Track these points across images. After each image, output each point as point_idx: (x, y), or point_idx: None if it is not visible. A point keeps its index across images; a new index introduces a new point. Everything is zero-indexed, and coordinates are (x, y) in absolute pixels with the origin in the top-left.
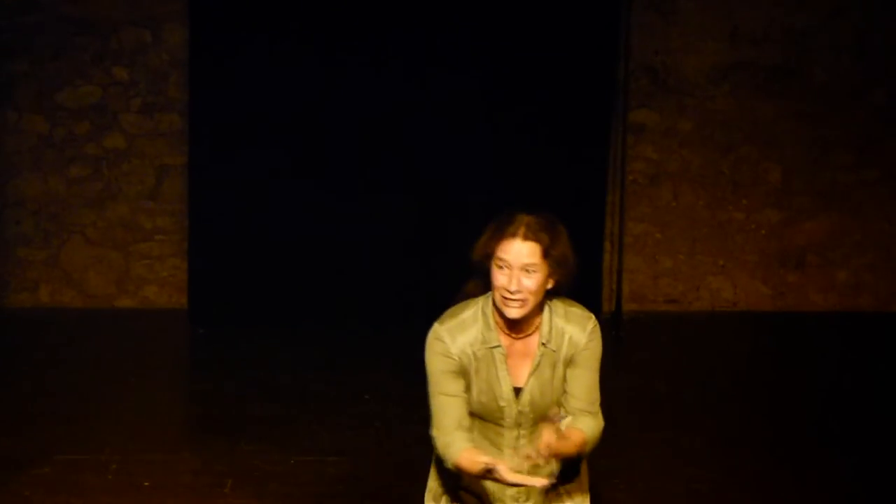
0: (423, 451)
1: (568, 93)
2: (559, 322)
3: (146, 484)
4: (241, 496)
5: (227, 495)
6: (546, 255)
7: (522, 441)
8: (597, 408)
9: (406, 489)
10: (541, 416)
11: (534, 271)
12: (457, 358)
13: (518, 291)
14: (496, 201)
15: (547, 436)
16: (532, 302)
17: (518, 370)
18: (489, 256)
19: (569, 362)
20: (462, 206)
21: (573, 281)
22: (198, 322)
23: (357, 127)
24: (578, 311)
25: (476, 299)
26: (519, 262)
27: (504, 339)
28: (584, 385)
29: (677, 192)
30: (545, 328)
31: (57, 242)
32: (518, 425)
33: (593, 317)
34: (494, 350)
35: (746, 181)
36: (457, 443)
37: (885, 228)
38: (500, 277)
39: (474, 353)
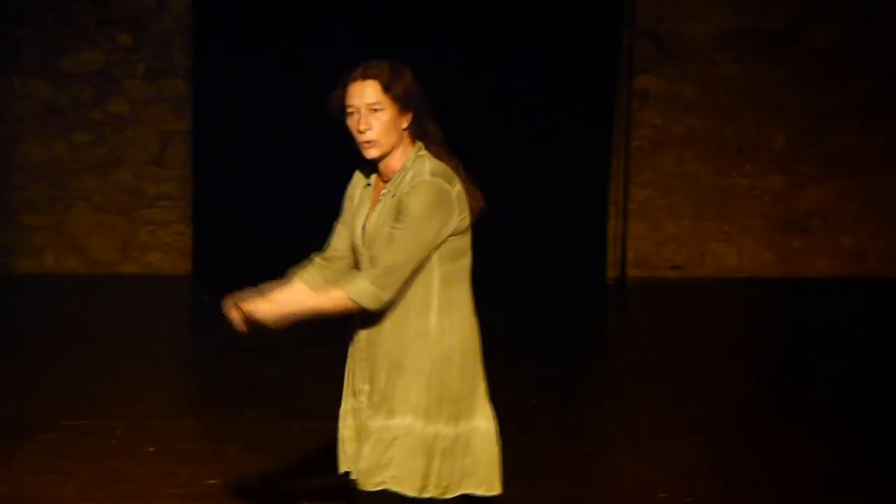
0: None
1: (573, 60)
2: (408, 175)
3: (151, 449)
4: (245, 462)
5: (232, 461)
6: (387, 89)
7: None
8: (375, 270)
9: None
10: None
11: (380, 109)
12: (350, 186)
13: (368, 131)
14: (502, 169)
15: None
16: (385, 142)
17: (372, 210)
18: (342, 110)
19: (395, 214)
20: (467, 173)
21: (434, 119)
22: (201, 288)
23: None
24: (430, 170)
25: None
26: (363, 102)
27: (377, 181)
28: (382, 237)
29: (681, 158)
30: (396, 177)
31: (61, 208)
32: (365, 271)
33: (436, 181)
34: (367, 188)
35: (750, 147)
36: (307, 270)
37: (889, 194)
38: (351, 123)
39: (361, 189)
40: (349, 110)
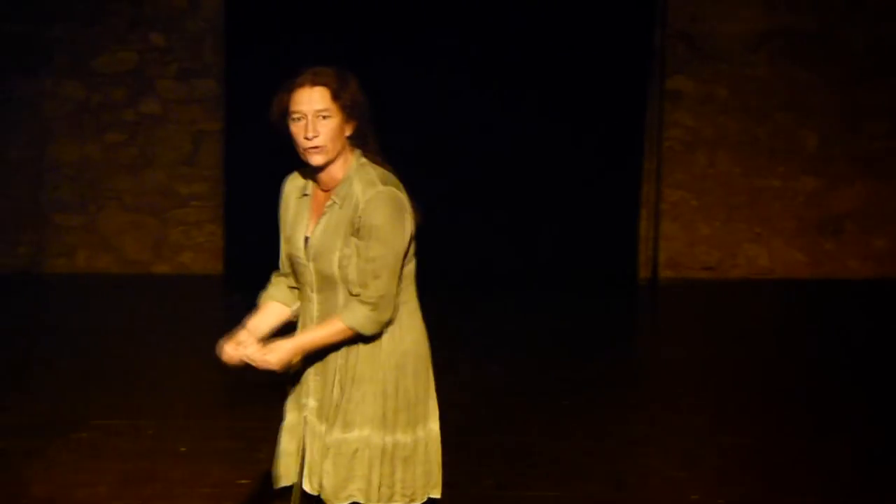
0: (458, 416)
1: (605, 60)
2: (355, 183)
3: (182, 449)
4: None
5: (263, 461)
6: (336, 97)
7: (312, 306)
8: (368, 293)
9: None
10: (325, 281)
11: (327, 116)
12: (283, 198)
13: (315, 137)
14: (533, 169)
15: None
16: (332, 149)
17: (314, 223)
18: (285, 114)
19: (355, 229)
20: (498, 174)
21: (374, 127)
22: (233, 288)
23: (391, 94)
24: (379, 177)
25: None
26: (311, 108)
27: (315, 191)
28: (357, 259)
29: (714, 158)
30: (340, 185)
31: (94, 208)
32: (309, 284)
33: (390, 190)
34: (304, 198)
35: (783, 148)
36: (273, 287)
37: None
38: (297, 129)
39: (295, 200)
40: (295, 116)
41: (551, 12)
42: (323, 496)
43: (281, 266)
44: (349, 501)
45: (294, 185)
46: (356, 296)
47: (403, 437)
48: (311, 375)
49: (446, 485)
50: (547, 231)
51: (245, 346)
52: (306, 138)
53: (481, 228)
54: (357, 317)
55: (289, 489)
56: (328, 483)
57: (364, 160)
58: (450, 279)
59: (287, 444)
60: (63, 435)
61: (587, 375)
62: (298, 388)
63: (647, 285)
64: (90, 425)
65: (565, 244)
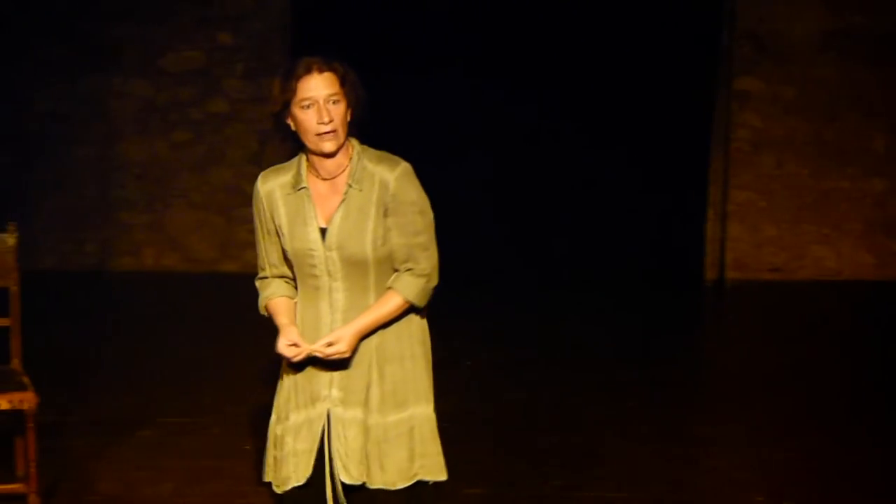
0: (522, 416)
1: (673, 61)
2: (369, 165)
3: (247, 447)
4: None
5: None
6: (343, 82)
7: (337, 295)
8: (421, 266)
9: (512, 455)
10: (352, 267)
11: (338, 101)
12: (264, 198)
13: (330, 122)
14: (601, 169)
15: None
16: (342, 134)
17: (326, 212)
18: (289, 104)
19: (385, 210)
20: (567, 173)
21: (368, 114)
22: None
23: (457, 91)
24: (390, 156)
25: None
26: (322, 94)
27: (312, 182)
28: (400, 236)
29: (781, 159)
30: (353, 170)
31: (160, 206)
32: (329, 274)
33: (408, 165)
34: (301, 191)
35: (851, 149)
36: (272, 287)
37: None
38: (308, 116)
39: (283, 196)
40: (305, 103)
41: (619, 14)
42: (384, 482)
43: (268, 268)
44: (413, 481)
45: (276, 182)
46: (408, 270)
47: (433, 412)
48: (329, 365)
49: (512, 484)
50: (614, 231)
51: (302, 342)
52: (321, 123)
53: (548, 228)
54: (414, 290)
55: (301, 489)
56: (391, 467)
57: (363, 145)
58: (515, 278)
59: (294, 443)
60: (128, 433)
61: (653, 376)
62: (308, 383)
63: (713, 286)
64: (155, 423)
65: (632, 245)
